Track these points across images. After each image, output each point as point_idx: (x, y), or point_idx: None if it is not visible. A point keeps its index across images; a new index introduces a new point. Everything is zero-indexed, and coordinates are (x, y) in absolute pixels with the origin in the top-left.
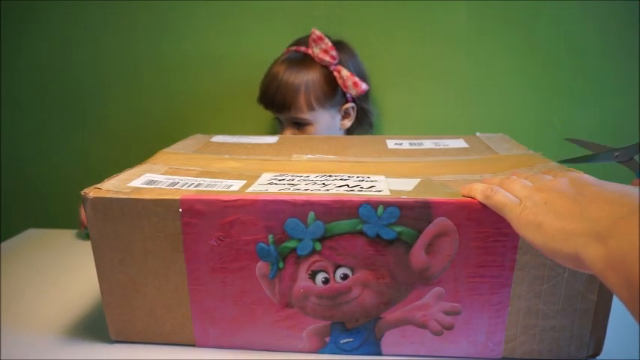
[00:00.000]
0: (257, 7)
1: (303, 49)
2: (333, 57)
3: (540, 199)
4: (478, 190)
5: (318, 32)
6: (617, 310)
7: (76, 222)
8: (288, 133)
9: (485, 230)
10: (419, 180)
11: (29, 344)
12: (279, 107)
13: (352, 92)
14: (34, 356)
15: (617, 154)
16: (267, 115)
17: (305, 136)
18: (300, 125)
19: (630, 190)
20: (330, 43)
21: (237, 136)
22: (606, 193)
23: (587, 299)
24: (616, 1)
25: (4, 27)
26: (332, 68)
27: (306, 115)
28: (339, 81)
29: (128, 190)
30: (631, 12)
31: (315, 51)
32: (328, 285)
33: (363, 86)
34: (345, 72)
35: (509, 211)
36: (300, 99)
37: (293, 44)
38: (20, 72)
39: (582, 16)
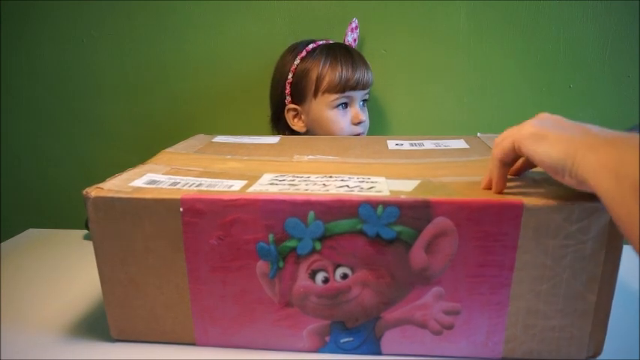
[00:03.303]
0: (257, 7)
1: (331, 41)
2: (355, 47)
3: (541, 119)
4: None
5: (357, 21)
6: (618, 311)
7: (75, 222)
8: (360, 113)
9: (485, 230)
10: (419, 181)
11: (29, 344)
12: (366, 83)
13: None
14: (34, 356)
15: None
16: (268, 115)
17: (306, 136)
18: (364, 103)
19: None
20: (358, 34)
21: (239, 137)
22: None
23: (586, 300)
24: (616, 0)
25: (4, 27)
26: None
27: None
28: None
29: (129, 190)
30: (631, 12)
31: (349, 39)
32: (328, 284)
33: None
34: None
35: (513, 134)
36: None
37: (308, 43)
38: (20, 72)
39: (582, 17)
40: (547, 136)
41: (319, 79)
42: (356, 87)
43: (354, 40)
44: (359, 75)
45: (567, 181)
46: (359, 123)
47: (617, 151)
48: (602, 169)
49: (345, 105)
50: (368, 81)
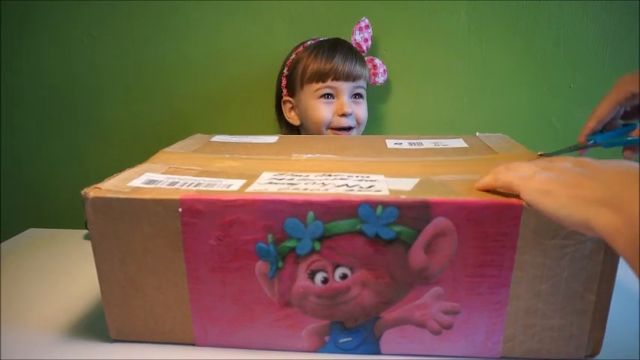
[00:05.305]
0: (257, 7)
1: (334, 38)
2: (368, 47)
3: (550, 173)
4: (487, 178)
5: (367, 20)
6: (617, 310)
7: (75, 222)
8: (345, 105)
9: (484, 230)
10: (418, 180)
11: (29, 344)
12: (348, 74)
13: (380, 80)
14: (34, 356)
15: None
16: (268, 115)
17: (305, 136)
18: (357, 97)
19: (632, 163)
20: (371, 33)
21: (237, 136)
22: (611, 166)
23: (585, 299)
24: (616, 0)
25: (4, 27)
26: (366, 57)
27: (365, 87)
28: (370, 69)
29: (128, 190)
30: (631, 12)
31: (357, 38)
32: (327, 284)
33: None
34: (378, 60)
35: (519, 183)
36: (366, 70)
37: (313, 40)
38: (20, 72)
39: (581, 17)
40: (552, 192)
41: (304, 70)
42: (337, 77)
43: (365, 39)
44: (337, 65)
45: (586, 234)
46: (344, 115)
47: (629, 216)
48: (615, 235)
49: (331, 96)
50: (350, 72)
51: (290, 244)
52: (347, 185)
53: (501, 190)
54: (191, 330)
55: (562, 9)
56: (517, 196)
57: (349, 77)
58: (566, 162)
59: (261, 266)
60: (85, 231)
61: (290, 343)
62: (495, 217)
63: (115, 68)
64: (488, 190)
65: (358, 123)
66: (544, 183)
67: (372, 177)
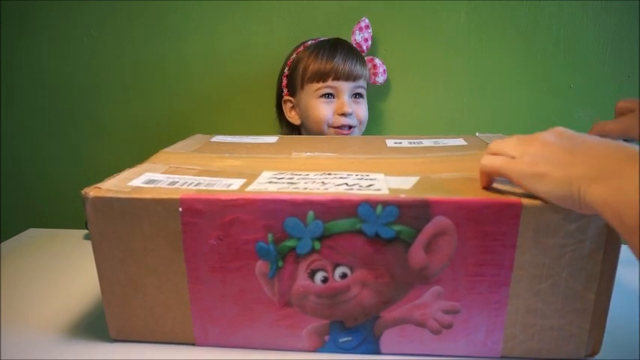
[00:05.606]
0: (257, 7)
1: (334, 38)
2: (368, 47)
3: (536, 151)
4: (480, 174)
5: (367, 20)
6: (616, 309)
7: (75, 222)
8: (346, 104)
9: (484, 229)
10: (418, 178)
11: (29, 344)
12: (349, 74)
13: (380, 79)
14: (34, 356)
15: None
16: (268, 115)
17: (305, 136)
18: (358, 96)
19: (615, 141)
20: (371, 33)
21: (237, 136)
22: (597, 143)
23: (585, 298)
24: (616, 0)
25: (4, 27)
26: (366, 57)
27: (365, 87)
28: (370, 69)
29: (128, 190)
30: (631, 12)
31: (357, 38)
32: (327, 284)
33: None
34: (378, 60)
35: (508, 167)
36: (366, 70)
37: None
38: (20, 72)
39: (581, 16)
40: (545, 175)
41: (304, 69)
42: (337, 77)
43: (365, 39)
44: (337, 65)
45: (580, 212)
46: (344, 114)
47: (616, 189)
48: (604, 207)
49: (332, 96)
50: (351, 72)
51: (290, 243)
52: (346, 184)
53: (491, 174)
54: (191, 330)
55: (562, 9)
56: (516, 195)
57: (349, 77)
58: (549, 134)
59: (261, 266)
60: (85, 231)
61: (290, 343)
62: (495, 216)
63: (115, 68)
64: (489, 188)
65: (359, 122)
66: (534, 165)
67: (372, 175)
